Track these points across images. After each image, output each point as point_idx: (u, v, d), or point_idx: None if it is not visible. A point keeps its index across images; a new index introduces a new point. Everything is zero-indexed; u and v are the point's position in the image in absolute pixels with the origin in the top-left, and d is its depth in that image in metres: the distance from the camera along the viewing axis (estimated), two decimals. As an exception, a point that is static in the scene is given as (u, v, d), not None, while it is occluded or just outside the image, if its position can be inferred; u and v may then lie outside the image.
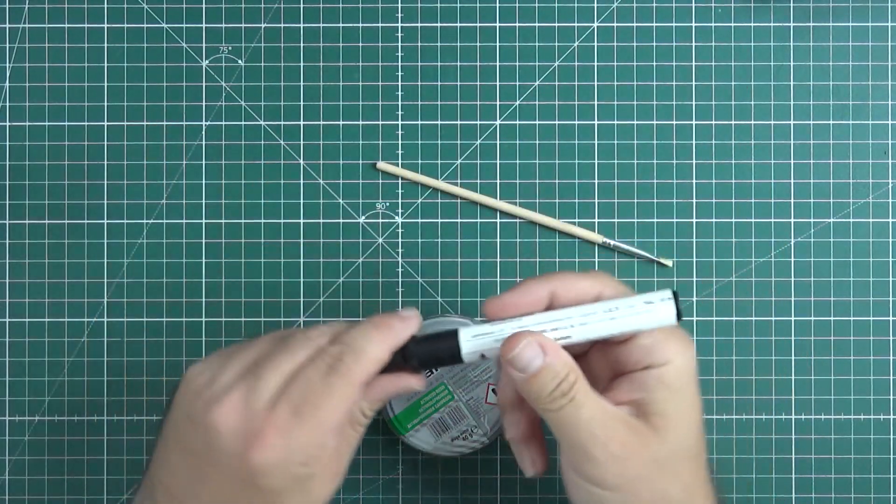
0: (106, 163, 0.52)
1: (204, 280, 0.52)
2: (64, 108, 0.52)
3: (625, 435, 0.38)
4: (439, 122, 0.52)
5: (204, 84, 0.52)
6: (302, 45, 0.52)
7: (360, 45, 0.52)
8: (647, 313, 0.38)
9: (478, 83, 0.52)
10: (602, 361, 0.40)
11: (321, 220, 0.52)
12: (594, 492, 0.38)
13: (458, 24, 0.52)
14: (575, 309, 0.38)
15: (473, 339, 0.39)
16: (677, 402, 0.38)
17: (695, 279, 0.52)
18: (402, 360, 0.39)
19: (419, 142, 0.52)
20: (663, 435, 0.38)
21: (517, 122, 0.52)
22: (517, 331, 0.38)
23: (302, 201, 0.52)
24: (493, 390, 0.49)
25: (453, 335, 0.39)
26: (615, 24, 0.52)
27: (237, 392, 0.37)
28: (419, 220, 0.52)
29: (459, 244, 0.52)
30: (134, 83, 0.52)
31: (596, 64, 0.52)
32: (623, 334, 0.38)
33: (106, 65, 0.52)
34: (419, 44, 0.52)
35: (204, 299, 0.52)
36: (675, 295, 0.38)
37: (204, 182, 0.52)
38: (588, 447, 0.38)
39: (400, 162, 0.52)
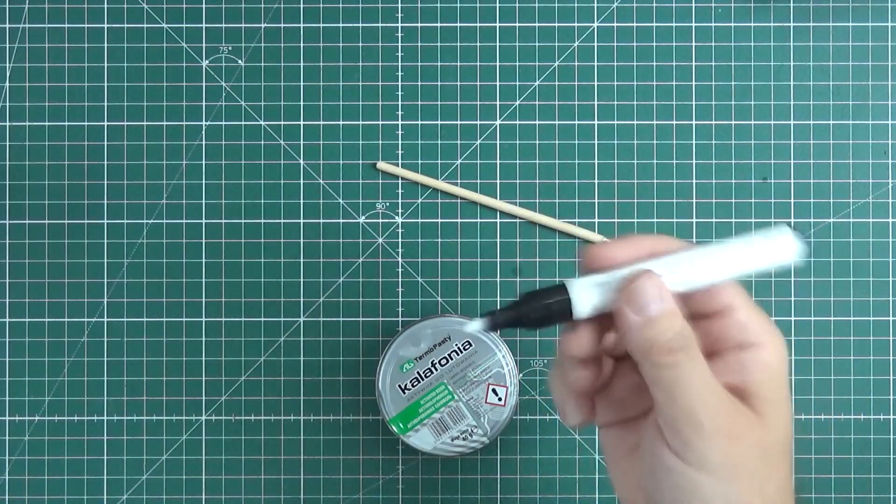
0: (106, 163, 0.52)
1: (204, 280, 0.52)
2: (64, 108, 0.52)
3: (735, 411, 0.34)
4: (439, 122, 0.52)
5: (204, 84, 0.52)
6: (302, 45, 0.52)
7: (360, 45, 0.52)
8: (766, 247, 0.34)
9: (478, 83, 0.52)
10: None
11: (321, 220, 0.52)
12: (689, 475, 0.33)
13: (458, 24, 0.52)
14: (689, 252, 0.34)
15: (590, 288, 0.34)
16: (779, 388, 0.34)
17: (695, 279, 0.52)
18: (494, 327, 0.35)
19: (419, 142, 0.52)
20: (767, 422, 0.34)
21: (517, 122, 0.52)
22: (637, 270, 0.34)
23: (302, 201, 0.52)
24: (493, 390, 0.49)
25: (560, 289, 0.34)
26: (615, 24, 0.52)
27: None
28: (419, 220, 0.52)
29: (459, 244, 0.52)
30: (134, 83, 0.52)
31: (596, 64, 0.52)
32: (743, 275, 0.35)
33: (106, 65, 0.52)
34: (419, 44, 0.52)
35: (204, 299, 0.52)
36: (792, 228, 0.34)
37: (204, 182, 0.52)
38: (699, 414, 0.33)
39: (400, 162, 0.52)
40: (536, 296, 0.35)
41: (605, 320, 0.35)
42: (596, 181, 0.52)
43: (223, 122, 0.52)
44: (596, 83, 0.52)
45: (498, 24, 0.52)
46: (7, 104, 0.52)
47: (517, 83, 0.52)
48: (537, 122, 0.52)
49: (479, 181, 0.52)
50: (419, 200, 0.52)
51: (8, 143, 0.52)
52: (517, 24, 0.52)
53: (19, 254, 0.52)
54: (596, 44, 0.52)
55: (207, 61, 0.52)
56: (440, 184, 0.52)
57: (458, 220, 0.52)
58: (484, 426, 0.49)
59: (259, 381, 0.52)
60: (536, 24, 0.52)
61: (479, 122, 0.52)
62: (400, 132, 0.52)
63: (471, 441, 0.49)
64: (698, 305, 0.36)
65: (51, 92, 0.52)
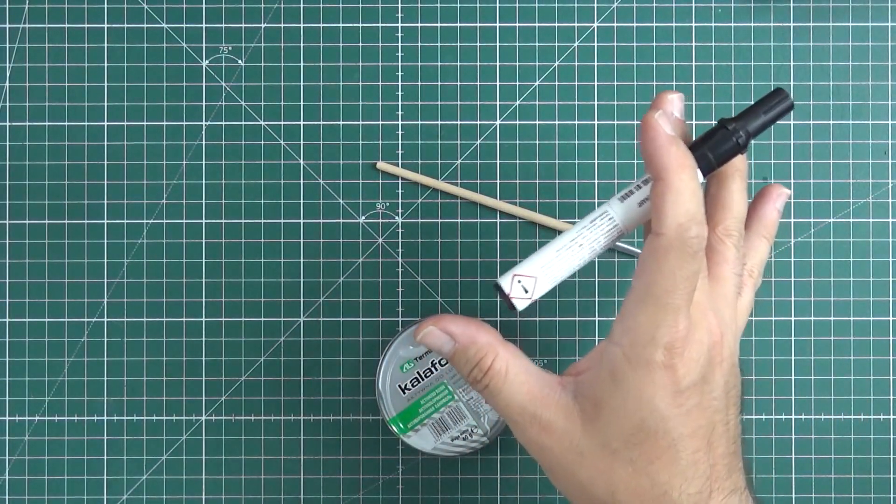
0: (106, 163, 0.52)
1: (204, 280, 0.52)
2: (64, 108, 0.52)
3: (547, 421, 0.36)
4: (439, 122, 0.52)
5: (204, 84, 0.52)
6: (302, 45, 0.52)
7: (360, 45, 0.52)
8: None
9: (478, 83, 0.52)
10: None
11: (321, 220, 0.52)
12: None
13: (458, 24, 0.52)
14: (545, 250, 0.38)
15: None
16: (616, 392, 0.36)
17: (695, 279, 0.52)
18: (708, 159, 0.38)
19: (419, 142, 0.52)
20: (591, 426, 0.36)
21: (517, 122, 0.52)
22: (424, 321, 0.39)
23: (302, 201, 0.52)
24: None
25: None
26: (615, 24, 0.52)
27: None
28: (419, 220, 0.52)
29: (459, 244, 0.52)
30: (134, 83, 0.52)
31: (596, 64, 0.52)
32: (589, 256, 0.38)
33: (106, 65, 0.52)
34: (419, 44, 0.52)
35: (204, 299, 0.52)
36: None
37: (204, 182, 0.52)
38: (511, 428, 0.38)
39: (400, 162, 0.52)
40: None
41: None
42: (596, 181, 0.52)
43: (223, 122, 0.52)
44: (596, 83, 0.52)
45: (498, 24, 0.52)
46: (7, 104, 0.52)
47: (517, 83, 0.52)
48: (537, 122, 0.52)
49: (479, 181, 0.52)
50: (419, 200, 0.52)
51: (8, 143, 0.52)
52: (517, 24, 0.52)
53: (19, 254, 0.52)
54: (596, 44, 0.52)
55: (207, 61, 0.52)
56: (440, 184, 0.52)
57: (458, 220, 0.52)
58: (484, 426, 0.49)
59: (259, 381, 0.52)
60: (536, 24, 0.52)
61: (479, 122, 0.52)
62: (400, 132, 0.52)
63: (471, 441, 0.49)
64: None
65: (51, 92, 0.52)
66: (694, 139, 0.38)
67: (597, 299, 0.52)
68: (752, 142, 0.52)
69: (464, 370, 0.38)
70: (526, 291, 0.37)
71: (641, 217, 0.38)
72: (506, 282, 0.37)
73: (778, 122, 0.52)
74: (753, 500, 0.38)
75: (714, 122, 0.52)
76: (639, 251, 0.52)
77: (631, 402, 0.35)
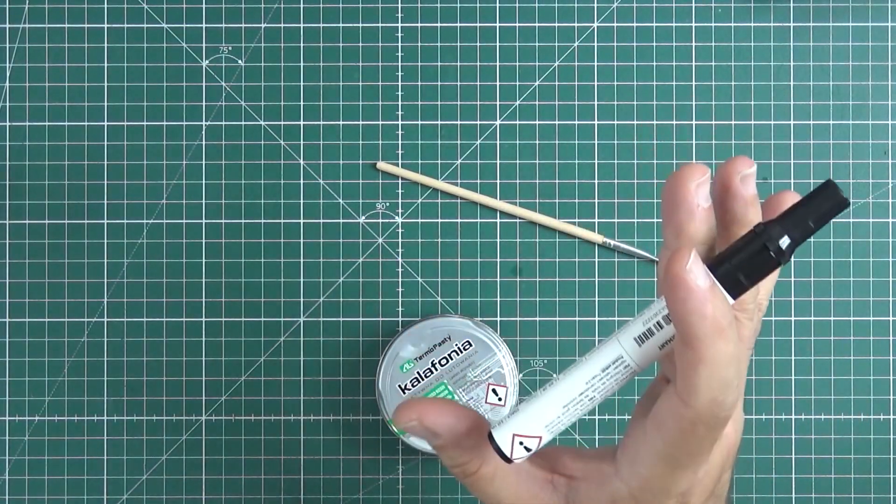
0: (106, 163, 0.52)
1: (204, 280, 0.52)
2: (64, 108, 0.52)
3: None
4: (439, 122, 0.52)
5: (204, 84, 0.52)
6: (302, 45, 0.52)
7: (360, 45, 0.52)
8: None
9: (478, 83, 0.52)
10: None
11: (321, 220, 0.52)
12: None
13: (458, 24, 0.52)
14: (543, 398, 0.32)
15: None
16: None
17: (695, 279, 0.52)
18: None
19: (419, 142, 0.52)
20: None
21: (517, 122, 0.52)
22: (405, 404, 0.34)
23: (302, 201, 0.52)
24: (493, 390, 0.49)
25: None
26: (615, 24, 0.52)
27: None
28: (419, 220, 0.52)
29: (459, 244, 0.52)
30: (134, 83, 0.52)
31: (596, 64, 0.52)
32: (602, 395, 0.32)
33: (106, 65, 0.52)
34: (419, 44, 0.52)
35: (204, 299, 0.52)
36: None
37: (204, 182, 0.52)
38: None
39: (400, 162, 0.52)
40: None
41: None
42: (596, 181, 0.52)
43: (223, 122, 0.52)
44: (596, 83, 0.52)
45: (498, 24, 0.52)
46: (7, 104, 0.52)
47: (517, 83, 0.52)
48: (537, 122, 0.52)
49: (479, 181, 0.52)
50: (419, 200, 0.52)
51: (8, 143, 0.52)
52: (517, 24, 0.52)
53: (19, 254, 0.52)
54: (596, 44, 0.52)
55: (207, 61, 0.52)
56: (440, 184, 0.52)
57: (458, 220, 0.52)
58: (484, 426, 0.49)
59: (259, 381, 0.52)
60: (536, 24, 0.52)
61: (479, 122, 0.52)
62: (400, 132, 0.52)
63: (471, 441, 0.49)
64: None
65: (51, 92, 0.52)
66: (721, 250, 0.30)
67: (597, 299, 0.52)
68: (752, 141, 0.52)
69: (448, 464, 0.35)
70: (527, 451, 0.32)
71: (664, 357, 0.32)
72: (504, 441, 0.32)
73: (777, 122, 0.52)
74: None
75: (713, 123, 0.52)
76: (640, 252, 0.52)
77: None
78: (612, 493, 0.33)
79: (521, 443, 0.31)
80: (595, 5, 0.52)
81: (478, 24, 0.52)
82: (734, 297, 0.29)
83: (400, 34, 0.52)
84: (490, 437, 0.32)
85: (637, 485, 0.32)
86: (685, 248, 0.28)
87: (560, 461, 0.35)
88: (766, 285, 0.35)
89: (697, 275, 0.28)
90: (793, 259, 0.51)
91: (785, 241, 0.29)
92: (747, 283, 0.29)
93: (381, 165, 0.52)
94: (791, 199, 0.33)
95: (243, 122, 0.52)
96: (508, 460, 0.32)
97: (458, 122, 0.52)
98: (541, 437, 0.31)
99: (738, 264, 0.29)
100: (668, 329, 0.30)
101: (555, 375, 0.32)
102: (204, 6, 0.52)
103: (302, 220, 0.52)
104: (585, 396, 0.31)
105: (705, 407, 0.29)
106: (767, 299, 0.35)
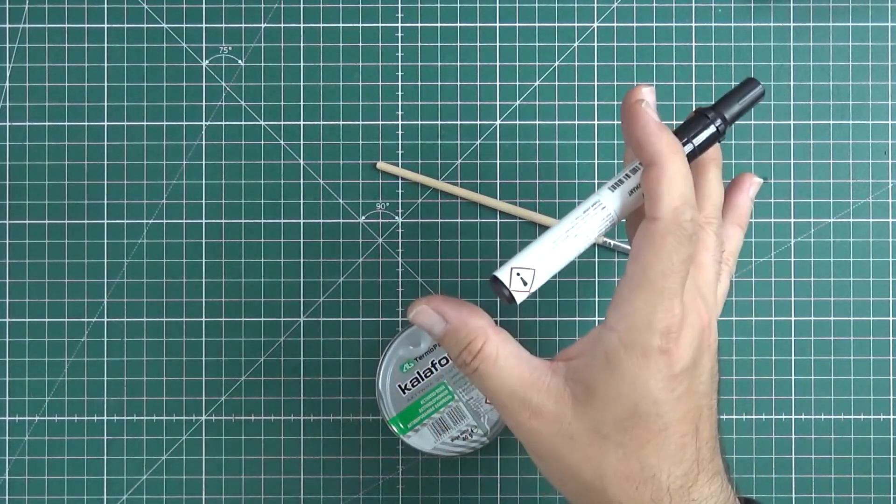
0: (106, 163, 0.52)
1: (204, 280, 0.52)
2: (64, 108, 0.52)
3: (536, 405, 0.36)
4: (439, 122, 0.52)
5: (204, 84, 0.52)
6: (302, 45, 0.52)
7: (360, 45, 0.52)
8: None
9: (478, 83, 0.52)
10: None
11: (321, 220, 0.52)
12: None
13: (458, 24, 0.52)
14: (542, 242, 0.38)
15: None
16: (610, 377, 0.36)
17: (695, 279, 0.52)
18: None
19: (419, 142, 0.52)
20: (582, 410, 0.36)
21: (517, 122, 0.52)
22: (417, 300, 0.39)
23: (302, 201, 0.52)
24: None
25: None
26: (615, 24, 0.52)
27: None
28: (419, 220, 0.52)
29: (459, 244, 0.52)
30: (134, 83, 0.52)
31: (596, 64, 0.52)
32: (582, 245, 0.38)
33: (106, 65, 0.52)
34: (419, 44, 0.52)
35: (204, 299, 0.52)
36: None
37: (204, 182, 0.52)
38: (500, 412, 0.38)
39: (400, 162, 0.52)
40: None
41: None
42: (596, 181, 0.52)
43: (223, 122, 0.52)
44: (596, 83, 0.52)
45: (498, 24, 0.52)
46: (7, 104, 0.52)
47: (517, 83, 0.52)
48: (537, 122, 0.52)
49: (479, 181, 0.52)
50: (419, 200, 0.52)
51: (8, 143, 0.52)
52: (517, 24, 0.52)
53: (19, 254, 0.52)
54: (596, 44, 0.52)
55: (207, 61, 0.52)
56: (440, 184, 0.52)
57: (458, 220, 0.52)
58: (484, 426, 0.49)
59: (259, 381, 0.52)
60: (536, 24, 0.52)
61: (479, 122, 0.52)
62: (400, 132, 0.52)
63: (471, 441, 0.49)
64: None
65: (51, 92, 0.52)
66: (674, 129, 0.39)
67: (597, 299, 0.52)
68: (752, 141, 0.52)
69: (453, 352, 0.38)
70: (525, 284, 0.37)
71: (633, 205, 0.38)
72: (504, 274, 0.37)
73: (778, 122, 0.52)
74: (731, 481, 0.39)
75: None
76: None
77: (625, 387, 0.35)
78: (605, 347, 0.36)
79: (518, 274, 0.36)
80: (595, 5, 0.52)
81: (478, 24, 0.52)
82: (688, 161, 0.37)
83: (400, 34, 0.52)
84: (493, 278, 0.37)
85: (624, 325, 0.35)
86: (640, 85, 0.37)
87: (559, 354, 0.39)
88: (733, 243, 0.42)
89: (651, 111, 0.36)
90: (793, 259, 0.52)
91: (721, 120, 0.38)
92: (696, 149, 0.38)
93: (381, 165, 0.52)
94: (749, 180, 0.43)
95: (243, 122, 0.52)
96: (511, 299, 0.37)
97: (458, 122, 0.52)
98: (534, 269, 0.36)
99: (690, 135, 0.38)
100: (635, 178, 0.38)
101: None
102: (204, 6, 0.52)
103: (302, 220, 0.52)
104: (570, 234, 0.37)
105: (669, 215, 0.35)
106: (735, 259, 0.41)
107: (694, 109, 0.39)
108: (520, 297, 0.37)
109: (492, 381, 0.37)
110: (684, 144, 0.38)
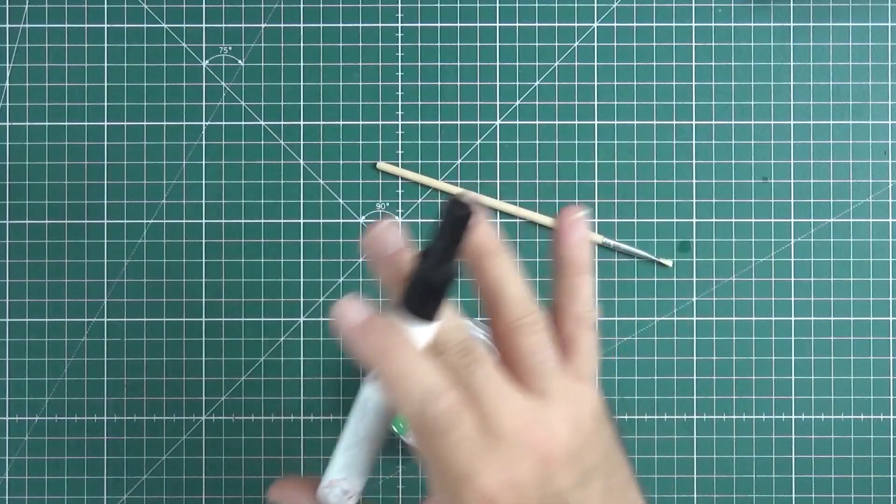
0: (106, 163, 0.52)
1: (204, 280, 0.52)
2: (64, 108, 0.52)
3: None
4: (439, 122, 0.52)
5: (204, 84, 0.52)
6: (302, 45, 0.52)
7: (360, 45, 0.52)
8: None
9: (478, 83, 0.52)
10: None
11: (321, 220, 0.52)
12: None
13: (458, 24, 0.52)
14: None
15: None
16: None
17: (695, 279, 0.52)
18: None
19: (419, 142, 0.52)
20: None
21: (517, 122, 0.52)
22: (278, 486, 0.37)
23: (302, 201, 0.52)
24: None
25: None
26: (615, 24, 0.52)
27: None
28: (419, 221, 0.52)
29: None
30: (134, 83, 0.52)
31: (596, 64, 0.52)
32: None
33: (106, 65, 0.52)
34: (419, 44, 0.52)
35: (204, 299, 0.52)
36: None
37: (204, 182, 0.52)
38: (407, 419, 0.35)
39: (400, 162, 0.52)
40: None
41: None
42: (596, 181, 0.52)
43: (223, 122, 0.52)
44: (596, 83, 0.52)
45: (498, 24, 0.52)
46: (7, 104, 0.52)
47: (517, 83, 0.52)
48: (537, 122, 0.52)
49: (479, 181, 0.52)
50: (419, 200, 0.52)
51: (8, 143, 0.52)
52: (517, 24, 0.52)
53: (19, 254, 0.52)
54: (596, 44, 0.52)
55: (207, 61, 0.52)
56: (440, 184, 0.52)
57: (458, 220, 0.52)
58: (484, 426, 0.49)
59: (259, 381, 0.52)
60: (536, 24, 0.52)
61: (479, 122, 0.52)
62: (400, 132, 0.52)
63: (471, 441, 0.49)
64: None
65: (51, 92, 0.52)
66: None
67: (596, 299, 0.52)
68: (752, 141, 0.52)
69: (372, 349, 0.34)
70: (343, 492, 0.36)
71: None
72: (325, 492, 0.36)
73: (777, 122, 0.52)
74: None
75: (713, 123, 0.52)
76: (640, 252, 0.52)
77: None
78: None
79: (332, 489, 0.36)
80: (595, 5, 0.52)
81: (478, 24, 0.52)
82: (430, 320, 0.32)
83: (400, 34, 0.52)
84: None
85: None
86: (347, 300, 0.32)
87: None
88: (583, 295, 0.36)
89: (349, 310, 0.32)
90: (793, 259, 0.52)
91: (442, 274, 0.32)
92: (433, 304, 0.32)
93: (381, 165, 0.52)
94: (568, 223, 0.36)
95: (243, 122, 0.52)
96: None
97: (458, 122, 0.52)
98: (340, 479, 0.36)
99: (411, 299, 0.32)
100: None
101: None
102: (204, 6, 0.52)
103: (302, 220, 0.52)
104: (355, 435, 0.36)
105: (414, 419, 0.32)
106: (592, 307, 0.36)
107: (414, 258, 0.33)
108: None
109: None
110: (424, 309, 0.32)
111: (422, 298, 0.32)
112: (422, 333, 0.33)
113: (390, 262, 0.34)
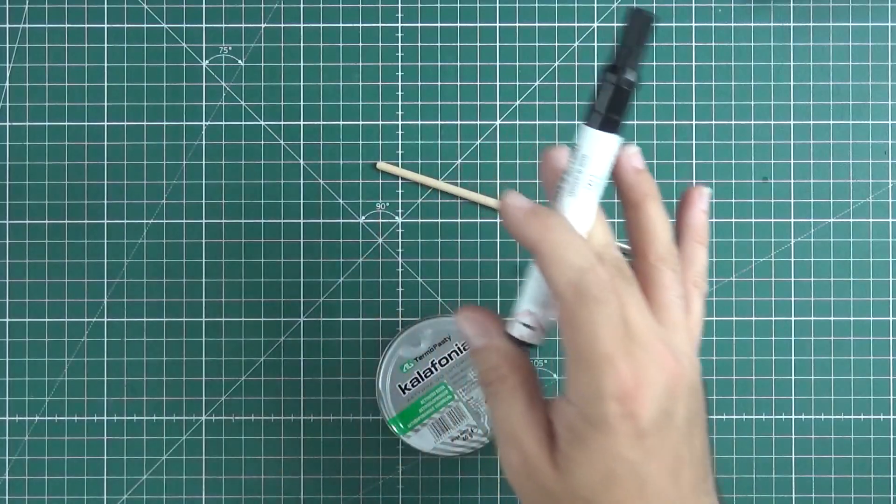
0: (106, 163, 0.52)
1: (204, 280, 0.52)
2: (64, 108, 0.52)
3: (527, 452, 0.36)
4: (439, 122, 0.52)
5: (204, 84, 0.52)
6: (302, 45, 0.52)
7: (360, 45, 0.52)
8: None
9: (478, 83, 0.52)
10: None
11: (321, 220, 0.52)
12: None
13: (458, 24, 0.52)
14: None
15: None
16: (579, 447, 0.35)
17: (695, 279, 0.52)
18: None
19: (419, 142, 0.52)
20: (560, 474, 0.35)
21: (517, 122, 0.52)
22: (468, 307, 0.39)
23: (302, 201, 0.52)
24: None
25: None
26: (615, 25, 0.52)
27: None
28: (419, 220, 0.52)
29: (459, 244, 0.52)
30: (134, 83, 0.52)
31: (596, 64, 0.52)
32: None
33: (106, 65, 0.52)
34: (419, 44, 0.52)
35: (204, 299, 0.52)
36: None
37: (204, 182, 0.52)
38: (498, 446, 0.37)
39: (400, 162, 0.52)
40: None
41: None
42: (596, 181, 0.52)
43: (223, 122, 0.52)
44: (596, 83, 0.52)
45: (498, 24, 0.52)
46: (7, 104, 0.52)
47: (517, 83, 0.52)
48: (537, 122, 0.52)
49: (479, 181, 0.52)
50: (419, 200, 0.52)
51: (8, 143, 0.52)
52: (517, 24, 0.52)
53: (19, 254, 0.52)
54: (596, 44, 0.52)
55: (207, 61, 0.52)
56: (440, 184, 0.52)
57: (458, 220, 0.52)
58: (484, 426, 0.49)
59: (259, 381, 0.52)
60: (536, 24, 0.52)
61: (479, 122, 0.52)
62: (400, 132, 0.52)
63: (471, 441, 0.49)
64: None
65: (51, 92, 0.52)
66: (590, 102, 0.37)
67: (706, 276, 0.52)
68: (752, 141, 0.52)
69: (481, 367, 0.38)
70: (526, 327, 0.37)
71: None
72: (511, 327, 0.38)
73: (777, 122, 0.52)
74: None
75: (713, 123, 0.52)
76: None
77: (595, 455, 0.35)
78: (567, 421, 0.35)
79: (516, 322, 0.37)
80: (595, 5, 0.52)
81: (478, 24, 0.52)
82: (615, 132, 0.36)
83: (400, 34, 0.52)
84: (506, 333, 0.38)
85: (577, 398, 0.35)
86: (513, 192, 0.37)
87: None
88: (698, 264, 0.40)
89: (515, 200, 0.36)
90: (793, 259, 0.52)
91: (629, 76, 0.36)
92: (617, 117, 0.36)
93: (381, 165, 0.52)
94: (697, 193, 0.40)
95: (243, 122, 0.52)
96: (520, 342, 0.37)
97: (458, 122, 0.52)
98: (527, 311, 0.37)
99: (605, 107, 0.36)
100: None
101: None
102: (204, 6, 0.52)
103: (302, 220, 0.52)
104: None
105: (568, 290, 0.34)
106: (704, 279, 0.40)
107: (601, 75, 0.37)
108: (523, 337, 0.37)
109: (501, 409, 0.37)
110: (604, 120, 0.36)
111: (611, 104, 0.36)
112: (604, 142, 0.36)
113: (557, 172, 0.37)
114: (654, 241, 0.38)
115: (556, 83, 0.52)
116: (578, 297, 0.34)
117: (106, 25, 0.52)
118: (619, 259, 0.36)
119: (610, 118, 0.36)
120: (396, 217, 0.52)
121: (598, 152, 0.36)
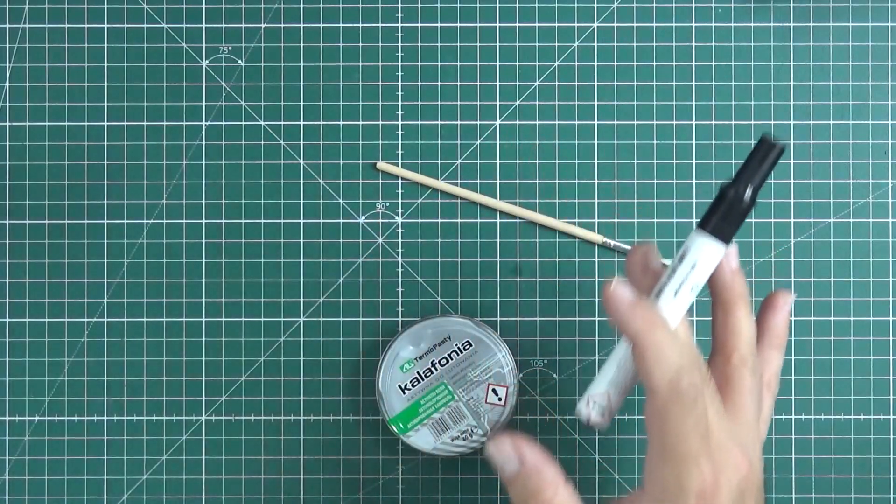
0: (106, 163, 0.52)
1: (204, 280, 0.52)
2: (64, 108, 0.52)
3: None
4: (439, 122, 0.52)
5: (204, 84, 0.52)
6: (302, 45, 0.52)
7: (360, 45, 0.52)
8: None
9: (478, 83, 0.52)
10: None
11: (321, 220, 0.52)
12: None
13: (458, 24, 0.52)
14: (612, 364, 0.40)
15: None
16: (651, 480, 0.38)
17: (695, 279, 0.52)
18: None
19: (419, 142, 0.52)
20: None
21: (517, 122, 0.52)
22: (501, 434, 0.40)
23: (302, 201, 0.52)
24: (493, 390, 0.49)
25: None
26: (615, 24, 0.52)
27: None
28: (419, 220, 0.52)
29: (459, 244, 0.52)
30: (134, 83, 0.52)
31: (596, 64, 0.52)
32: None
33: (106, 65, 0.52)
34: (419, 44, 0.52)
35: (204, 299, 0.52)
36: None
37: (204, 182, 0.52)
38: None
39: (400, 162, 0.52)
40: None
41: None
42: (596, 181, 0.52)
43: (223, 122, 0.52)
44: (596, 83, 0.52)
45: (498, 24, 0.52)
46: (7, 104, 0.52)
47: (517, 83, 0.52)
48: (537, 122, 0.52)
49: (479, 181, 0.52)
50: (419, 200, 0.52)
51: (8, 143, 0.52)
52: (517, 24, 0.52)
53: (19, 254, 0.52)
54: (596, 44, 0.52)
55: (207, 61, 0.52)
56: (440, 184, 0.52)
57: (458, 220, 0.52)
58: (484, 426, 0.49)
59: (259, 381, 0.52)
60: (536, 24, 0.52)
61: (479, 122, 0.52)
62: (400, 132, 0.52)
63: (471, 441, 0.49)
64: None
65: (51, 92, 0.52)
66: (705, 214, 0.39)
67: (597, 299, 0.52)
68: (752, 141, 0.52)
69: (520, 495, 0.39)
70: (601, 408, 0.39)
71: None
72: (583, 406, 0.39)
73: (777, 122, 0.52)
74: None
75: (713, 123, 0.52)
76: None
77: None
78: None
79: (594, 402, 0.39)
80: (595, 5, 0.52)
81: (478, 24, 0.52)
82: (726, 242, 0.39)
83: (400, 34, 0.52)
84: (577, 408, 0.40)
85: (658, 492, 0.37)
86: (611, 279, 0.39)
87: None
88: (773, 367, 0.43)
89: (622, 292, 0.37)
90: (793, 259, 0.52)
91: (748, 191, 0.38)
92: (730, 228, 0.38)
93: (381, 165, 0.52)
94: (782, 300, 0.44)
95: (243, 122, 0.52)
96: (591, 425, 0.39)
97: (458, 122, 0.52)
98: (607, 393, 0.39)
99: (720, 217, 0.38)
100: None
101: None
102: (204, 6, 0.52)
103: (302, 220, 0.52)
104: (626, 360, 0.39)
105: (664, 386, 0.36)
106: (777, 380, 0.43)
107: (719, 189, 0.40)
108: (596, 420, 0.39)
109: None
110: (715, 229, 0.38)
111: (727, 219, 0.38)
112: (714, 254, 0.39)
113: (650, 273, 0.40)
114: (739, 343, 0.40)
115: (556, 83, 0.52)
116: (674, 395, 0.36)
117: (106, 25, 0.52)
118: (701, 363, 0.38)
119: (724, 230, 0.38)
120: (396, 217, 0.52)
121: (706, 261, 0.39)
